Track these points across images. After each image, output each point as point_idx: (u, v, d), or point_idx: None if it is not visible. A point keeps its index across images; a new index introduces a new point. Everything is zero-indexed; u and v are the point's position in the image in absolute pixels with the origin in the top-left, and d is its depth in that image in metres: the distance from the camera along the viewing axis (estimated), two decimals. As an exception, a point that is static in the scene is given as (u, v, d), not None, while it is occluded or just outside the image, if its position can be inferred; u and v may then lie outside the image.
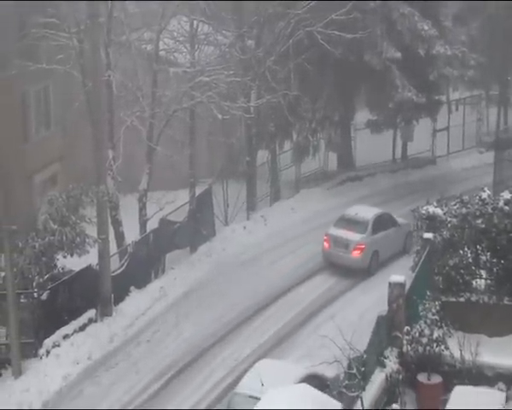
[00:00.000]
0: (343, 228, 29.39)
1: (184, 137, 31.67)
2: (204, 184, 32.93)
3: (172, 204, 30.75)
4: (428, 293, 22.03)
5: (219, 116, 28.96)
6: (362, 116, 39.48)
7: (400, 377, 20.67)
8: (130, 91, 29.25)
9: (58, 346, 24.17)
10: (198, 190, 31.82)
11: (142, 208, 29.91)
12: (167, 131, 30.05)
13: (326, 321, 25.17)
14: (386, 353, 20.90)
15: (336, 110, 37.49)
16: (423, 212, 23.86)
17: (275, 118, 34.91)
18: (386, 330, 21.08)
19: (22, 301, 24.05)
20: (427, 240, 22.97)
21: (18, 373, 23.12)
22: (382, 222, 29.71)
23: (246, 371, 21.26)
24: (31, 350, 23.95)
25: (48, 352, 23.92)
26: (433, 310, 21.49)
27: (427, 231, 23.34)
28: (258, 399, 17.64)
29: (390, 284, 21.35)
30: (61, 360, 23.76)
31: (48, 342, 24.05)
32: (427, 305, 21.63)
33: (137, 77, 29.48)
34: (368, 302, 26.12)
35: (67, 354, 24.01)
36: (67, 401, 22.48)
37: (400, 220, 30.81)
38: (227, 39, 33.25)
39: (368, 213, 30.15)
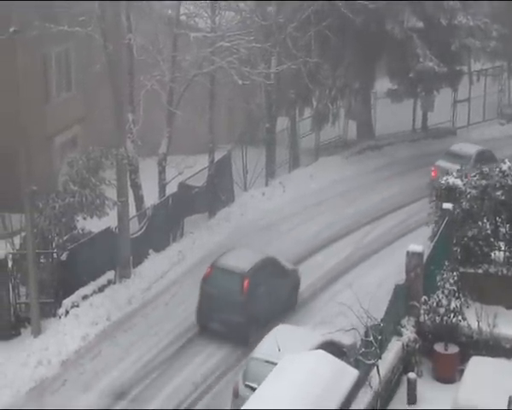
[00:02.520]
0: (449, 161, 32.93)
1: (204, 102, 31.70)
2: (223, 149, 32.96)
3: (191, 169, 30.83)
4: (446, 263, 21.97)
5: (239, 82, 28.92)
6: (382, 85, 39.28)
7: (417, 346, 20.71)
8: (150, 55, 29.21)
9: (77, 306, 24.32)
10: (217, 156, 31.86)
11: (162, 172, 30.00)
12: (187, 96, 30.03)
13: (343, 289, 25.21)
14: (403, 322, 20.93)
15: (356, 78, 37.37)
16: (443, 182, 23.77)
17: (295, 85, 34.81)
18: (404, 300, 21.09)
19: (42, 261, 24.21)
20: (446, 210, 22.88)
21: (37, 332, 23.31)
22: (484, 157, 31.57)
23: (263, 336, 21.36)
24: (50, 310, 24.13)
25: (67, 312, 24.08)
26: (451, 281, 21.42)
27: (447, 201, 23.27)
28: (274, 364, 17.79)
29: (408, 253, 21.29)
30: (79, 320, 23.94)
31: (67, 302, 24.21)
32: (444, 275, 21.57)
33: (158, 41, 29.43)
34: (386, 271, 26.16)
35: (86, 314, 24.19)
36: (85, 361, 22.69)
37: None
38: (248, 6, 33.10)
39: (471, 149, 34.38)
